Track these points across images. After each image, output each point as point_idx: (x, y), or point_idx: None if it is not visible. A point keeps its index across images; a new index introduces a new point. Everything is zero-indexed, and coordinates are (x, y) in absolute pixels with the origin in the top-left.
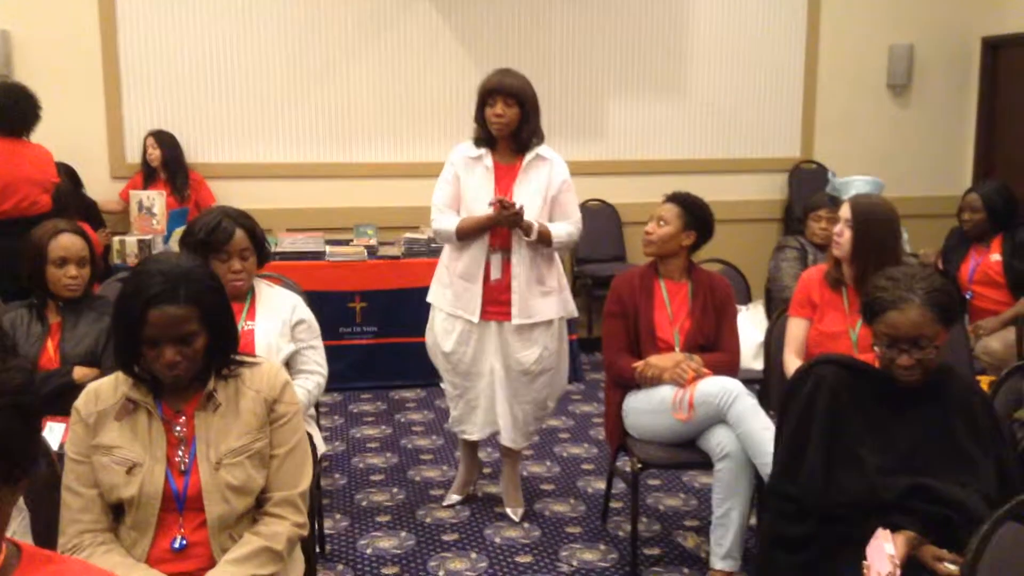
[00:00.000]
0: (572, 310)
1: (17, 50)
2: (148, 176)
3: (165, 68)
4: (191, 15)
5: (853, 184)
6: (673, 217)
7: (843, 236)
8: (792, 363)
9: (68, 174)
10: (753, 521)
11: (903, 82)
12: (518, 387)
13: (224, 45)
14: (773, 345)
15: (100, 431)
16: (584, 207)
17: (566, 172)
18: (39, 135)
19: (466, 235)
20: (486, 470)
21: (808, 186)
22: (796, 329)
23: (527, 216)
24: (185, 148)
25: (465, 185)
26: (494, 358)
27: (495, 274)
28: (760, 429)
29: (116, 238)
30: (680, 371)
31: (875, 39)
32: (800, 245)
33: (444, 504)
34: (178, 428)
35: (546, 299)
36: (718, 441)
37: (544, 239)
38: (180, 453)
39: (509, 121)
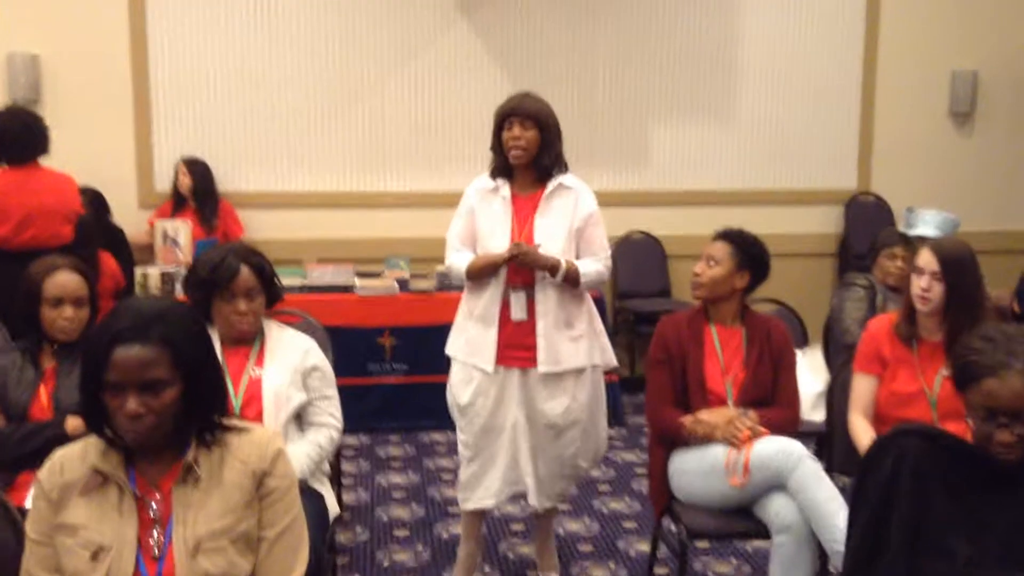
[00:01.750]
0: (609, 359)
1: (46, 74)
2: (177, 204)
3: (195, 95)
4: (222, 41)
5: (922, 219)
6: (725, 256)
7: (932, 291)
8: (859, 425)
9: (94, 199)
10: None
11: (966, 110)
12: (543, 442)
13: (255, 72)
14: (836, 397)
15: (64, 508)
16: (627, 239)
17: (593, 203)
18: (66, 161)
19: (477, 275)
20: (519, 526)
21: (865, 219)
22: (863, 387)
23: (550, 251)
24: (215, 176)
25: (480, 219)
26: (518, 410)
27: (518, 315)
28: (826, 499)
29: (139, 270)
30: (734, 429)
31: (936, 64)
32: (869, 284)
33: None
34: (153, 506)
35: (575, 344)
36: (777, 510)
37: (571, 279)
38: (155, 535)
39: (527, 145)
